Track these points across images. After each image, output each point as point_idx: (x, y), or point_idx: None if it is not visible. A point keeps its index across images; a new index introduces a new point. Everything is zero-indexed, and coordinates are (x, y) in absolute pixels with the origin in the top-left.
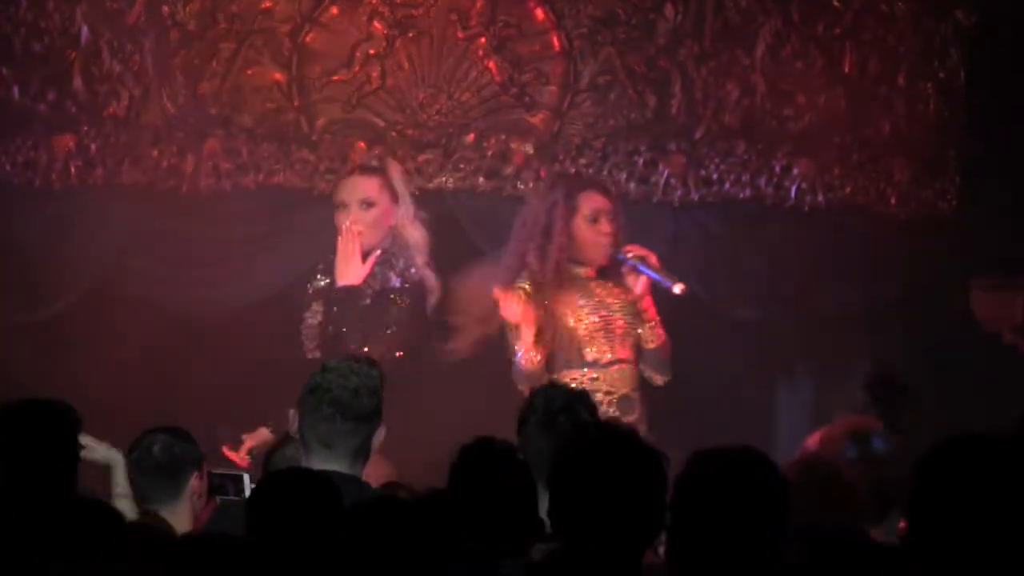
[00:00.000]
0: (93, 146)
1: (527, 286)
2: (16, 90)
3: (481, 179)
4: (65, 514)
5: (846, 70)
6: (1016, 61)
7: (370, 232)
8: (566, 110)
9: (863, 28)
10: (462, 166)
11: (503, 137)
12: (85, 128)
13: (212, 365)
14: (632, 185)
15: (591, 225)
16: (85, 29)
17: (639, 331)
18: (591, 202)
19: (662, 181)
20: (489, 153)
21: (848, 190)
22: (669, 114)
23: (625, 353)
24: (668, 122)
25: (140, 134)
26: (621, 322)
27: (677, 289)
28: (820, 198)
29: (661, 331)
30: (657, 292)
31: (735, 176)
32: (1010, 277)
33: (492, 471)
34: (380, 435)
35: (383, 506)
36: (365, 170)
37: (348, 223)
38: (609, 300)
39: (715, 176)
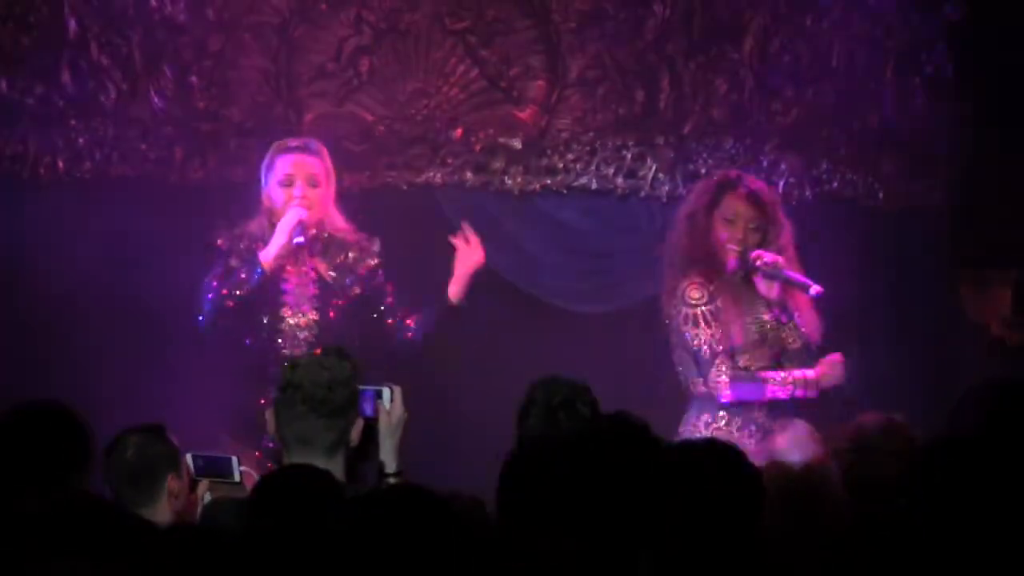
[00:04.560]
0: (81, 140)
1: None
2: (4, 84)
3: (469, 174)
4: (63, 510)
5: (834, 64)
6: (1003, 54)
7: (312, 212)
8: (554, 105)
9: (851, 22)
10: (450, 161)
11: (491, 132)
12: (73, 122)
13: (202, 360)
14: (620, 179)
15: (728, 226)
16: (73, 22)
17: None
18: (735, 203)
19: (650, 175)
20: (477, 148)
21: (836, 184)
22: (657, 108)
23: (769, 361)
24: (656, 116)
25: (128, 127)
26: (773, 331)
27: (813, 291)
28: (808, 192)
29: (806, 329)
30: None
31: (723, 170)
32: (998, 270)
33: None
34: (359, 426)
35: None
36: (304, 150)
37: (298, 201)
38: (762, 307)
39: (703, 170)
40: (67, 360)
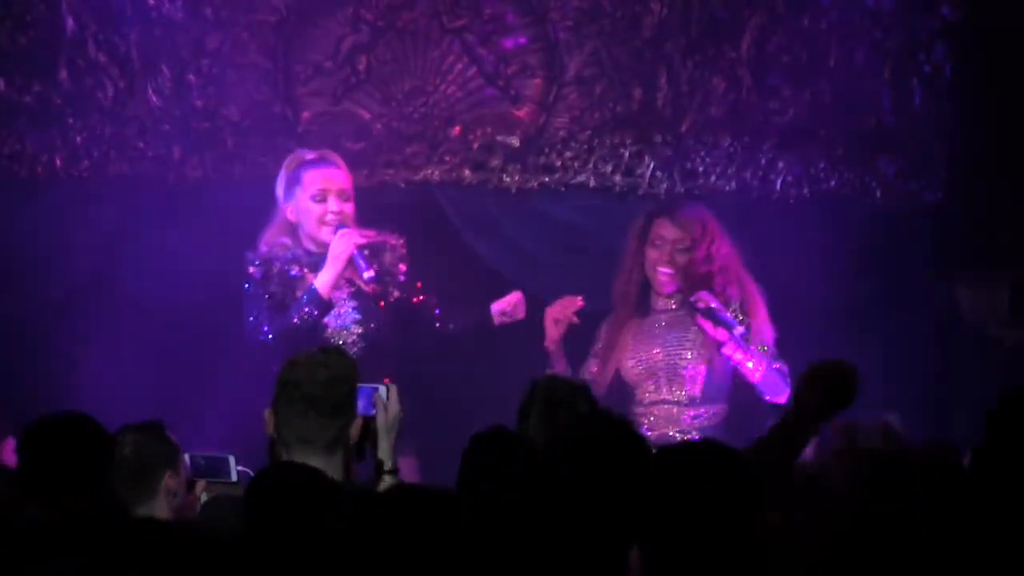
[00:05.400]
0: (79, 138)
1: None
2: (1, 82)
3: (467, 172)
4: (68, 513)
5: (831, 64)
6: (1001, 54)
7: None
8: (552, 103)
9: (848, 22)
10: (448, 159)
11: (489, 130)
12: (71, 120)
13: (199, 357)
14: (618, 177)
15: (655, 251)
16: (70, 20)
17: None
18: (659, 228)
19: (648, 174)
20: (475, 146)
21: (833, 183)
22: (655, 107)
23: (672, 394)
24: (654, 115)
25: (126, 126)
26: (664, 363)
27: (737, 332)
28: (805, 191)
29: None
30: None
31: (721, 169)
32: (995, 270)
33: (504, 460)
34: (357, 424)
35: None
36: (329, 162)
37: (331, 217)
38: (656, 337)
39: (701, 169)
40: (65, 358)
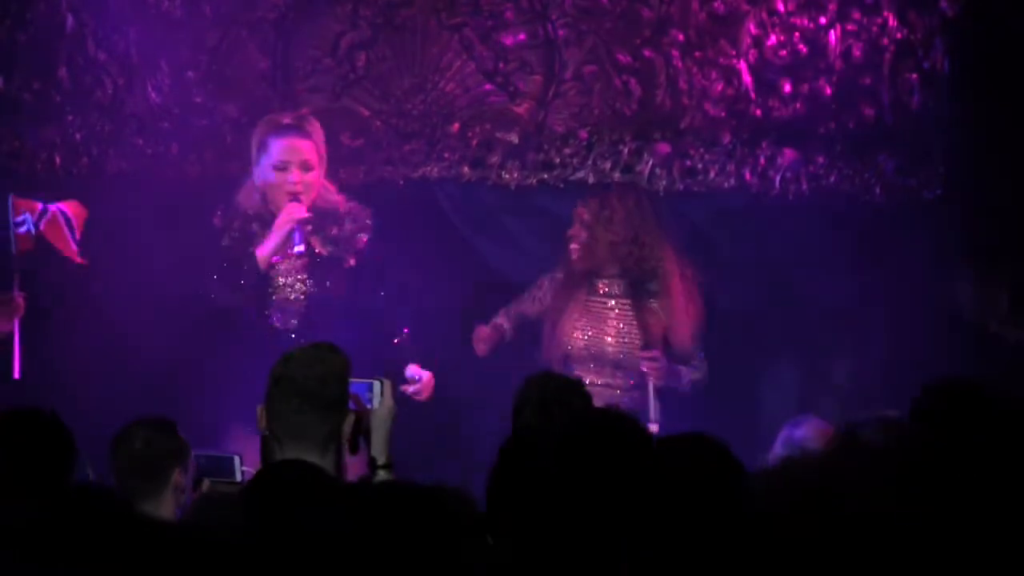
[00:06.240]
0: (78, 135)
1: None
2: (1, 79)
3: (466, 168)
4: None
5: (830, 60)
6: (1000, 50)
7: (306, 197)
8: (551, 100)
9: (847, 18)
10: (446, 155)
11: (488, 126)
12: (70, 117)
13: (198, 354)
14: (616, 175)
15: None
16: (70, 18)
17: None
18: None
19: (647, 171)
20: (474, 142)
21: (833, 179)
22: (654, 104)
23: (616, 379)
24: (653, 112)
25: (125, 123)
26: (613, 348)
27: (653, 428)
28: (805, 187)
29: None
30: None
31: (720, 166)
32: (995, 267)
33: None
34: (350, 420)
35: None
36: (298, 131)
37: (291, 187)
38: (610, 323)
39: (700, 166)
40: (63, 356)
